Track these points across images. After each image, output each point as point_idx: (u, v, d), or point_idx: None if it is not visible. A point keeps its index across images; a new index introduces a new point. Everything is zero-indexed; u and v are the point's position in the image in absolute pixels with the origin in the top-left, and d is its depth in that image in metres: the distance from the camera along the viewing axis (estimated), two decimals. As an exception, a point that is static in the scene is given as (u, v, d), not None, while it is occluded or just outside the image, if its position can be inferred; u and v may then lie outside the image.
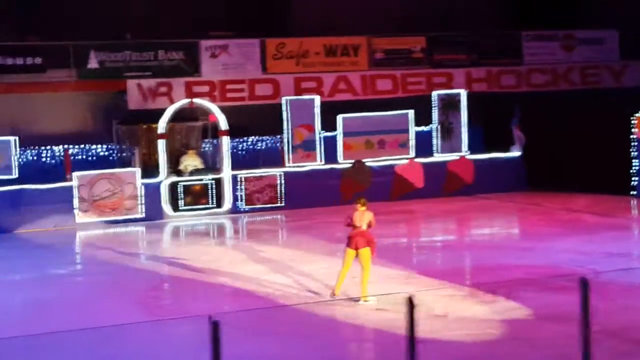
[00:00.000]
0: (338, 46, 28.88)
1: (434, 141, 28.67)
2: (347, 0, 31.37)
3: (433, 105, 28.62)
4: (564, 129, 28.22)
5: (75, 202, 24.97)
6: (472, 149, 28.91)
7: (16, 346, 12.95)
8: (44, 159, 27.30)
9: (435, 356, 11.94)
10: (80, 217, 25.04)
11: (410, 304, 10.17)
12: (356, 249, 15.39)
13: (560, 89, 30.40)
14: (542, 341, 12.96)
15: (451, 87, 29.16)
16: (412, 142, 28.26)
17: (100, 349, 13.27)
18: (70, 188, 25.02)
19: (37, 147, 27.19)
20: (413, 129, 28.33)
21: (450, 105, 28.71)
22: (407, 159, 28.19)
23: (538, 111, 28.87)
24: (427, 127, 28.99)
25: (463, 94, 28.84)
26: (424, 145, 28.48)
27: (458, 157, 28.71)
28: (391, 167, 28.06)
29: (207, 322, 8.83)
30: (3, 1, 28.29)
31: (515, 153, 29.20)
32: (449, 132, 28.69)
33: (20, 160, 25.99)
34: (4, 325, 14.79)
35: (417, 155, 28.31)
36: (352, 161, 27.70)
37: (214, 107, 26.52)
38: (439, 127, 28.68)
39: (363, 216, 15.54)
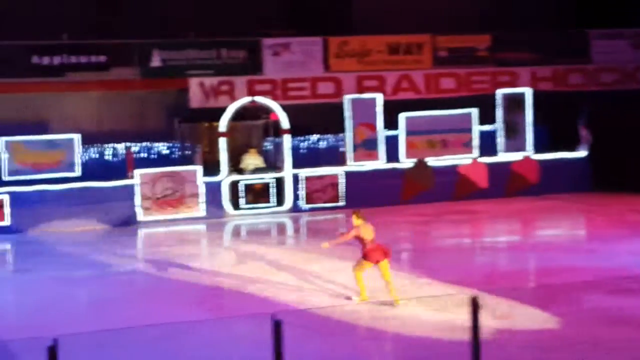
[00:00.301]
0: (401, 44, 28.66)
1: (498, 140, 28.33)
2: (411, -1, 31.16)
3: (497, 104, 28.29)
4: (631, 129, 27.72)
5: (137, 200, 25.05)
6: (537, 148, 28.52)
7: (79, 343, 12.92)
8: (106, 157, 27.42)
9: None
10: (142, 215, 25.11)
11: (474, 306, 10.00)
12: (377, 262, 15.26)
13: (629, 88, 29.85)
14: (611, 344, 12.68)
15: (516, 86, 28.79)
16: (475, 142, 27.95)
17: (161, 347, 13.22)
18: (132, 186, 25.11)
19: (100, 145, 27.31)
20: (477, 128, 28.02)
21: (514, 104, 28.34)
22: (470, 158, 27.88)
23: (605, 110, 28.40)
24: (491, 126, 28.64)
25: (528, 92, 28.46)
26: (487, 145, 28.16)
27: (522, 157, 28.34)
28: (454, 166, 27.78)
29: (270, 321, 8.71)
30: (68, 0, 28.45)
31: (581, 153, 28.76)
32: (513, 131, 28.33)
33: (83, 158, 26.11)
34: (66, 322, 14.84)
35: (481, 154, 28.00)
36: (414, 161, 27.46)
37: (275, 106, 26.44)
38: (503, 126, 28.33)
39: (368, 228, 15.49)
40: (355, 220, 15.45)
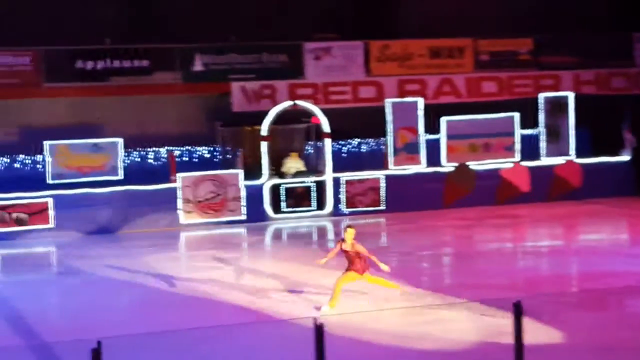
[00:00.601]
0: (443, 48, 28.61)
1: (541, 144, 28.19)
2: (452, 2, 31.03)
3: (539, 108, 28.15)
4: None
5: (180, 203, 25.18)
6: (580, 152, 28.36)
7: (122, 345, 12.99)
8: (149, 161, 27.60)
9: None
10: (184, 218, 25.25)
11: (518, 311, 9.97)
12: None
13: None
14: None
15: (558, 90, 28.65)
16: (517, 146, 27.83)
17: (204, 350, 13.28)
18: (174, 189, 25.25)
19: (142, 149, 27.49)
20: (519, 132, 27.90)
21: (557, 108, 28.20)
22: (512, 162, 27.77)
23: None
24: (534, 130, 28.52)
25: (571, 96, 28.30)
26: (530, 149, 28.04)
27: (565, 161, 28.19)
28: (496, 170, 27.68)
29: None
30: (111, 5, 28.66)
31: (624, 157, 28.57)
32: (556, 135, 28.18)
33: (125, 161, 26.29)
34: (110, 324, 14.92)
35: (523, 158, 27.88)
36: (456, 164, 27.40)
37: (316, 110, 26.48)
38: (545, 130, 28.19)
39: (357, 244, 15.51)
40: (350, 236, 15.34)
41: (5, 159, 26.60)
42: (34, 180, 25.36)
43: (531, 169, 27.89)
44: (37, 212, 24.16)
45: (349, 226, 15.50)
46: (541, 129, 28.26)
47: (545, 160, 28.19)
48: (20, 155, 26.70)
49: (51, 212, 24.24)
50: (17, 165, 26.68)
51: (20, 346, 13.69)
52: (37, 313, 16.03)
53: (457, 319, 14.62)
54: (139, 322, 15.10)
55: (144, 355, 13.04)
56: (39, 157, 26.28)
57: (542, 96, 28.28)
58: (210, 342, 13.61)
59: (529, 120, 28.15)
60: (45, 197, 24.29)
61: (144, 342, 13.60)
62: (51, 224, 24.26)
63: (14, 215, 24.04)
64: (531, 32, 29.31)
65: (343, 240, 15.35)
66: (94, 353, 8.97)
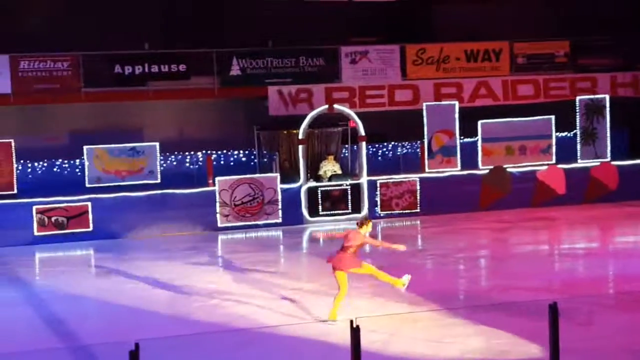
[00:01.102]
0: (479, 51, 28.65)
1: (577, 147, 28.10)
2: (489, 5, 31.01)
3: (576, 110, 28.07)
4: None
5: (217, 206, 25.31)
6: (617, 154, 28.25)
7: (160, 347, 13.09)
8: (186, 164, 27.79)
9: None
10: (221, 222, 25.38)
11: (554, 312, 9.99)
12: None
13: None
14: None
15: (595, 92, 28.55)
16: (553, 148, 27.76)
17: (241, 353, 13.37)
18: (211, 193, 25.39)
19: (179, 153, 27.68)
20: (555, 135, 27.83)
21: (594, 110, 28.09)
22: (548, 165, 27.69)
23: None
24: (570, 132, 28.45)
25: (608, 99, 28.19)
26: (566, 151, 27.95)
27: (601, 163, 28.06)
28: (532, 173, 27.61)
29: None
30: (150, 10, 28.88)
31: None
32: (592, 137, 28.08)
33: (163, 165, 26.47)
34: (148, 327, 15.08)
35: (559, 161, 27.80)
36: (492, 167, 27.36)
37: (352, 113, 26.54)
38: (581, 132, 28.09)
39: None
40: (368, 229, 15.11)
41: (44, 163, 26.91)
42: (73, 184, 25.63)
43: (567, 171, 27.80)
44: (76, 216, 24.36)
45: (369, 219, 15.24)
46: (577, 132, 28.17)
47: (581, 163, 28.09)
48: (59, 160, 27.00)
49: (90, 216, 24.44)
50: (56, 169, 26.99)
51: (59, 348, 13.80)
52: (76, 315, 16.15)
53: (492, 321, 14.61)
54: (177, 325, 15.17)
55: (184, 358, 13.11)
56: (77, 161, 26.56)
57: (579, 99, 28.18)
58: (250, 345, 13.71)
59: (565, 123, 28.08)
60: (84, 201, 24.48)
61: (183, 345, 13.71)
62: (90, 228, 24.46)
63: (54, 218, 24.27)
64: (568, 34, 29.24)
65: (360, 226, 14.99)
66: (132, 355, 9.02)
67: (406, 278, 14.97)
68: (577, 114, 28.08)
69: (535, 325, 13.50)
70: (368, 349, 10.08)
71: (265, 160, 27.88)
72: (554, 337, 10.12)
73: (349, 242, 14.77)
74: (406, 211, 26.67)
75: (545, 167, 27.68)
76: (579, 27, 29.61)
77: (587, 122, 28.10)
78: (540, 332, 11.48)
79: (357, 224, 15.09)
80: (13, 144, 24.63)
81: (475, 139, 27.62)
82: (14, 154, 24.61)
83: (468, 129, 27.46)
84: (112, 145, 25.37)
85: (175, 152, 27.69)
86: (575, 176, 27.77)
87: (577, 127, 28.13)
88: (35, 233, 24.14)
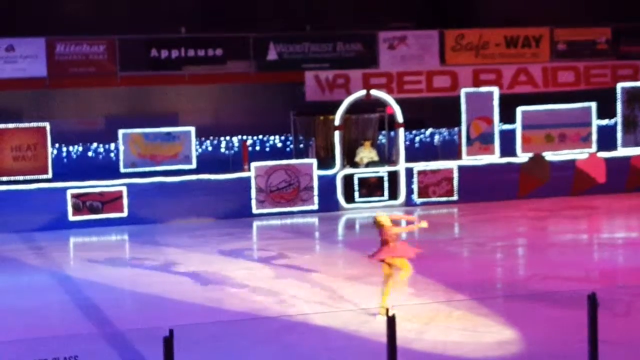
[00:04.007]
0: (519, 37, 28.38)
1: (618, 135, 27.76)
2: (529, -10, 30.81)
3: (617, 98, 27.72)
4: None
5: (253, 192, 25.23)
6: (658, 143, 27.91)
7: (194, 334, 13.08)
8: (222, 150, 27.74)
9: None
10: (256, 208, 25.29)
11: (593, 302, 9.82)
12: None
13: None
14: None
15: (637, 80, 28.21)
16: (594, 136, 27.44)
17: (272, 340, 13.30)
18: (247, 178, 25.31)
19: (215, 138, 27.64)
20: (595, 122, 27.51)
21: (635, 97, 27.73)
22: (588, 153, 27.38)
23: None
24: (611, 120, 28.11)
25: (649, 86, 27.88)
26: (607, 139, 27.64)
27: (641, 152, 27.77)
28: (572, 161, 27.32)
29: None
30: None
31: None
32: (633, 125, 27.72)
33: (198, 150, 26.42)
34: (182, 312, 15.04)
35: (600, 149, 27.48)
36: (531, 155, 27.09)
37: (390, 99, 26.36)
38: (622, 120, 27.74)
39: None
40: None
41: (79, 147, 26.95)
42: (108, 169, 25.68)
43: (607, 159, 27.48)
44: (111, 201, 24.37)
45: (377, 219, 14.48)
46: (618, 119, 27.82)
47: (621, 151, 27.74)
48: (94, 144, 27.04)
49: (125, 201, 24.43)
50: (91, 153, 27.04)
51: (94, 334, 13.82)
52: (110, 301, 16.16)
53: (531, 310, 14.44)
54: (210, 311, 15.14)
55: (216, 345, 13.06)
56: (112, 146, 26.57)
57: (620, 86, 27.82)
58: (283, 333, 13.65)
59: (605, 110, 27.76)
60: (119, 186, 24.49)
61: (216, 332, 13.66)
62: (125, 213, 24.46)
63: (88, 203, 24.29)
64: (609, 21, 28.91)
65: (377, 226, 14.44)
66: (166, 341, 9.01)
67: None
68: (618, 101, 27.74)
69: (574, 315, 13.33)
70: (403, 338, 9.93)
71: (302, 146, 27.77)
72: (592, 328, 9.94)
73: (385, 235, 14.43)
74: (443, 199, 26.48)
75: (585, 155, 27.37)
76: (621, 14, 29.28)
77: (628, 109, 27.74)
78: (579, 322, 11.32)
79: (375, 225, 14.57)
80: (48, 128, 24.65)
81: (514, 126, 27.35)
82: (49, 138, 24.63)
83: (507, 116, 27.21)
84: (148, 130, 25.34)
85: (211, 137, 27.70)
86: (616, 165, 27.45)
87: (618, 115, 27.78)
88: (70, 218, 24.17)
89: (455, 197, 26.52)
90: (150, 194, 24.67)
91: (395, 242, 14.36)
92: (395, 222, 14.75)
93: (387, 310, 9.92)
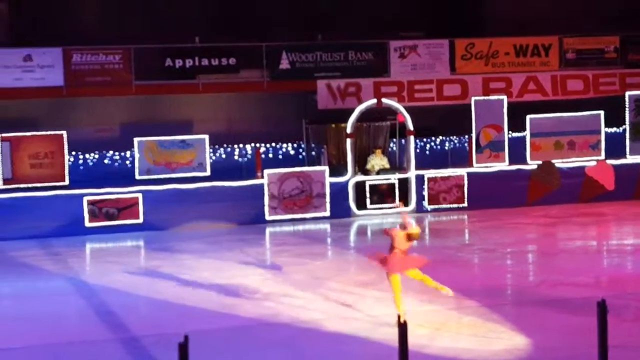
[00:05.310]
0: (528, 46, 28.59)
1: (626, 142, 27.93)
2: (538, 0, 30.94)
3: (626, 106, 27.90)
4: None
5: (266, 199, 25.45)
6: (667, 151, 28.06)
7: (209, 340, 13.19)
8: (235, 157, 27.96)
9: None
10: (269, 214, 25.51)
11: (602, 309, 9.97)
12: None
13: None
14: None
15: (645, 88, 28.40)
16: (602, 144, 27.62)
17: (285, 346, 13.48)
18: (260, 186, 25.52)
19: (229, 146, 27.86)
20: (604, 130, 27.69)
21: (643, 106, 27.94)
22: (597, 160, 27.55)
23: None
24: (619, 128, 28.30)
25: (657, 94, 28.03)
26: (615, 147, 27.80)
27: (649, 160, 27.91)
28: (581, 168, 27.49)
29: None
30: (200, 4, 29.11)
31: None
32: (641, 133, 27.92)
33: (212, 158, 26.64)
34: (197, 318, 15.19)
35: (608, 156, 27.64)
36: (541, 162, 27.26)
37: (401, 107, 26.58)
38: (630, 128, 27.91)
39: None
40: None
41: (95, 155, 27.23)
42: (123, 176, 25.88)
43: (616, 167, 27.65)
44: (127, 207, 24.61)
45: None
46: (627, 127, 28.00)
47: (630, 159, 27.91)
48: (110, 151, 27.30)
49: (140, 208, 24.67)
50: (107, 161, 27.30)
51: (110, 339, 13.95)
52: (126, 307, 16.28)
53: (541, 316, 14.61)
54: (224, 317, 15.26)
55: (229, 350, 13.23)
56: (128, 153, 26.83)
57: (628, 94, 28.00)
58: (295, 339, 13.79)
59: (614, 118, 27.94)
60: (134, 193, 24.73)
61: (231, 337, 13.84)
62: (140, 219, 24.70)
63: (104, 209, 24.54)
64: (618, 29, 29.07)
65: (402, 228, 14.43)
66: (181, 347, 9.04)
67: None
68: (627, 109, 27.92)
69: (583, 321, 13.50)
70: (414, 344, 10.14)
71: (314, 153, 27.98)
72: (602, 334, 10.10)
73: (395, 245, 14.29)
74: (453, 205, 26.68)
75: (594, 163, 27.55)
76: (629, 23, 29.42)
77: (637, 117, 27.91)
78: (588, 328, 11.49)
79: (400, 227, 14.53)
80: (65, 136, 24.91)
81: (524, 134, 27.55)
82: (66, 146, 24.89)
83: (516, 124, 27.39)
84: (162, 138, 25.55)
85: (225, 145, 27.90)
86: (624, 172, 27.61)
87: (627, 123, 27.96)
88: (87, 224, 24.42)
89: (465, 204, 26.72)
90: (165, 201, 24.89)
91: (405, 254, 14.33)
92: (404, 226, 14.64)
93: (399, 316, 10.04)
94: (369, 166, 26.87)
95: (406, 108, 26.57)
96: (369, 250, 19.46)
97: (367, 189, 26.28)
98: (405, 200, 26.29)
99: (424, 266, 14.44)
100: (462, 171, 26.92)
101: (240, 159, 28.09)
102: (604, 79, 28.72)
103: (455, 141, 29.35)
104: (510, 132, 27.26)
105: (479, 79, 28.07)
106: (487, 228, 24.12)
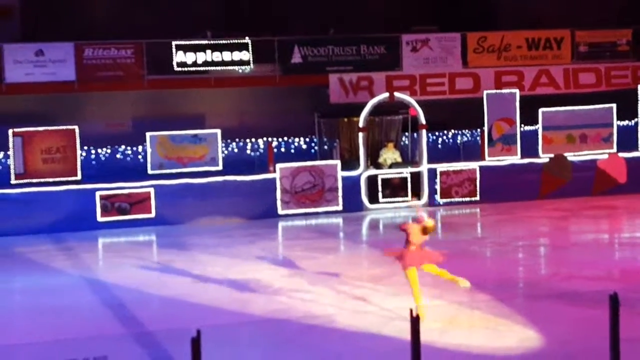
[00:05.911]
0: (540, 39, 28.53)
1: (639, 135, 27.86)
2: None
3: (638, 99, 27.82)
4: None
5: (278, 193, 25.48)
6: (679, 144, 28.00)
7: (221, 335, 13.22)
8: (247, 152, 27.99)
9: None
10: (281, 208, 25.53)
11: (614, 302, 9.97)
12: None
13: None
14: None
15: (657, 81, 28.34)
16: (614, 137, 27.56)
17: (297, 340, 13.51)
18: (272, 180, 25.55)
19: (241, 140, 27.89)
20: (616, 123, 27.64)
21: (655, 99, 27.87)
22: (609, 153, 27.49)
23: None
24: (631, 121, 28.23)
25: (669, 87, 27.96)
26: (627, 140, 27.74)
27: (662, 152, 27.84)
28: (593, 161, 27.45)
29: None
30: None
31: None
32: (654, 126, 27.86)
33: (224, 152, 26.67)
34: (209, 313, 15.21)
35: (620, 149, 27.59)
36: (553, 155, 27.23)
37: (413, 101, 26.57)
38: (644, 121, 27.90)
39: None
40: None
41: (107, 150, 27.28)
42: (136, 171, 25.94)
43: (628, 160, 27.60)
44: (139, 202, 24.67)
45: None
46: (639, 120, 27.94)
47: (643, 152, 27.89)
48: (122, 146, 27.35)
49: (152, 202, 24.72)
50: (119, 155, 27.35)
51: (122, 334, 14.02)
52: (138, 301, 16.35)
53: (552, 309, 14.61)
54: (236, 312, 15.25)
55: (242, 344, 13.29)
56: (140, 148, 26.87)
57: (641, 87, 27.99)
58: (308, 333, 13.82)
59: (626, 111, 27.88)
60: (147, 187, 24.78)
61: (243, 331, 13.87)
62: (152, 214, 24.76)
63: (117, 204, 24.60)
64: (630, 23, 29.00)
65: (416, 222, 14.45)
66: (194, 342, 9.07)
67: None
68: (639, 102, 27.85)
69: (595, 314, 13.50)
70: (426, 338, 10.14)
71: (326, 147, 27.99)
72: (614, 327, 10.10)
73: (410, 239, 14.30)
74: (466, 199, 26.67)
75: (606, 156, 27.50)
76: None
77: (648, 110, 27.88)
78: (600, 321, 11.49)
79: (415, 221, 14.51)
80: (77, 131, 24.96)
81: (536, 127, 27.52)
82: (78, 141, 24.94)
83: (529, 117, 27.36)
84: (174, 132, 25.58)
85: (237, 139, 27.93)
86: (637, 165, 27.56)
87: (639, 116, 27.90)
88: (99, 219, 24.50)
89: (477, 198, 26.71)
90: (177, 195, 24.95)
91: (420, 248, 14.33)
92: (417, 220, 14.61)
93: (411, 310, 10.07)
94: (381, 160, 26.88)
95: (418, 102, 26.58)
96: (381, 244, 19.54)
97: (380, 182, 26.29)
98: (417, 194, 26.29)
99: (441, 262, 14.42)
100: (474, 165, 26.90)
101: (252, 154, 28.12)
102: (616, 72, 28.65)
103: (468, 135, 29.33)
104: (522, 125, 27.24)
105: (491, 72, 28.04)
106: (499, 221, 24.12)
